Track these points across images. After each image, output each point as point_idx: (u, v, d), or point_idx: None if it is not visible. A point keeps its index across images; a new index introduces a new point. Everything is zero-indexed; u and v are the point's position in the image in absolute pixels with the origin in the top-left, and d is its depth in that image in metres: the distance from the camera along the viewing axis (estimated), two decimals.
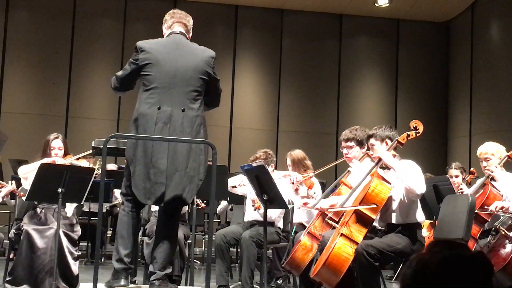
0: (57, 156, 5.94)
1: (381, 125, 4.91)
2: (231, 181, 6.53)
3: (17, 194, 5.76)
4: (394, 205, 4.62)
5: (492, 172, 5.52)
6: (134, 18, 12.76)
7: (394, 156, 4.75)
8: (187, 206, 6.26)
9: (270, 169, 6.28)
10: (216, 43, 11.99)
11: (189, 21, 4.72)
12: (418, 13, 13.24)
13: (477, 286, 1.53)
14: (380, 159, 4.72)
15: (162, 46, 4.52)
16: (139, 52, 4.47)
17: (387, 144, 4.76)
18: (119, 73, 4.59)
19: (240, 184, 6.40)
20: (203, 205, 6.27)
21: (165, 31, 4.70)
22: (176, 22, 4.65)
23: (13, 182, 6.26)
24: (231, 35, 13.05)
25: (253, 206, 6.12)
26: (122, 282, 4.35)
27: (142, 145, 4.36)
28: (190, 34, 4.73)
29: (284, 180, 6.41)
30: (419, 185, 4.50)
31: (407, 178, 4.51)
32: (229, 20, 13.13)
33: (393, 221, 4.66)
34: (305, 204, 5.57)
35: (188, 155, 4.38)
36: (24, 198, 5.71)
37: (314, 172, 6.56)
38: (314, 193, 6.45)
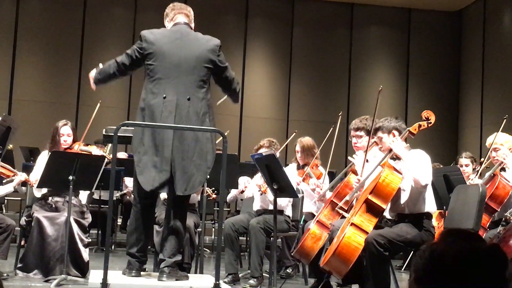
0: (66, 142, 5.96)
1: (386, 117, 4.90)
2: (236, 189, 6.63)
3: (29, 183, 5.79)
4: (405, 195, 4.61)
5: (504, 159, 5.53)
6: (145, 7, 12.74)
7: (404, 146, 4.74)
8: (197, 195, 6.30)
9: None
10: (226, 32, 11.98)
11: (190, 11, 4.77)
12: (430, 2, 13.15)
13: (492, 279, 1.52)
14: (391, 149, 4.72)
15: (166, 36, 4.57)
16: (143, 42, 4.53)
17: (394, 136, 4.75)
18: (119, 58, 4.59)
19: (244, 186, 6.45)
20: (214, 195, 6.27)
21: (167, 24, 4.75)
22: (178, 13, 4.70)
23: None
24: (242, 25, 13.02)
25: (259, 191, 6.14)
26: (134, 273, 4.51)
27: (149, 134, 4.41)
28: (193, 24, 4.77)
29: (294, 170, 6.41)
30: (424, 176, 4.49)
31: (414, 168, 4.51)
32: (240, 10, 13.08)
33: (403, 211, 4.65)
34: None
35: (195, 143, 4.42)
36: (35, 186, 5.75)
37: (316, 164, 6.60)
38: (321, 183, 6.48)
